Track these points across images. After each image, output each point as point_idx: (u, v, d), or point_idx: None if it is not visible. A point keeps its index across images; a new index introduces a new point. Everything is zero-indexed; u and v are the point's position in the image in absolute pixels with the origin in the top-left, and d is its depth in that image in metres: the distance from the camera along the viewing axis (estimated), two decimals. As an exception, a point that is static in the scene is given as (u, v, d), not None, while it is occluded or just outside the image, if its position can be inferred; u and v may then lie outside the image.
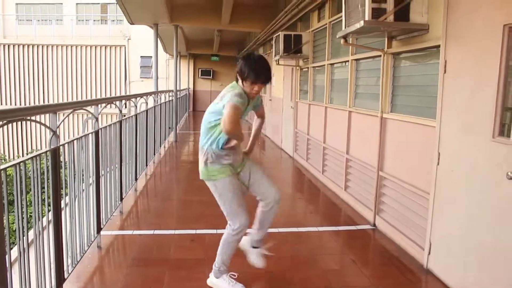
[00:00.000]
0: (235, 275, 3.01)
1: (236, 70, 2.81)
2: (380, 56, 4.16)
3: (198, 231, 4.13)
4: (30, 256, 2.35)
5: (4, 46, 22.28)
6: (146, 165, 6.67)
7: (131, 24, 10.42)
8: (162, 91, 9.76)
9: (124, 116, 4.86)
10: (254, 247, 3.12)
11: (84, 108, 3.51)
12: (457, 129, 2.92)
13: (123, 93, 21.94)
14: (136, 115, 5.64)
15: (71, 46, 22.32)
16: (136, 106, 6.01)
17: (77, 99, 21.72)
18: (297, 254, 3.67)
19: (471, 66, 2.78)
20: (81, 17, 23.42)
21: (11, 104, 22.04)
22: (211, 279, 3.02)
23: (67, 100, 21.41)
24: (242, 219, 2.81)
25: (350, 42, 4.40)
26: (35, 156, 2.48)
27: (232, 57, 18.48)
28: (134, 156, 5.53)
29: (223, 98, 2.71)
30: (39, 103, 21.68)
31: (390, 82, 4.06)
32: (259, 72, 2.70)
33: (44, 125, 2.62)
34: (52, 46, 22.27)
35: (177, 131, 11.60)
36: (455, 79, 2.95)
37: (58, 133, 2.66)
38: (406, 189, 3.71)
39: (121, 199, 4.67)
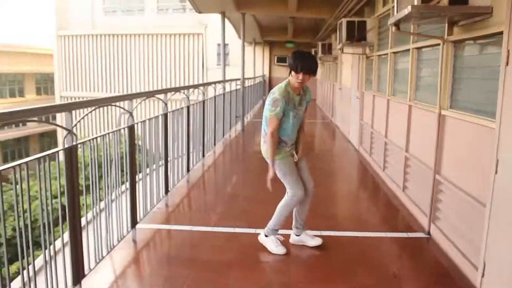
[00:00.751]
0: (281, 238, 3.51)
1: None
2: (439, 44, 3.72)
3: (237, 230, 3.98)
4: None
5: (92, 36, 23.97)
6: (203, 156, 6.64)
7: (198, 12, 10.50)
8: (228, 80, 9.74)
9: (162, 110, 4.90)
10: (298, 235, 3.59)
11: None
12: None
13: (200, 80, 22.65)
14: (188, 106, 5.56)
15: (152, 35, 23.51)
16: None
17: (157, 85, 23.09)
18: (332, 262, 3.38)
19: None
20: (162, 6, 24.54)
21: (99, 91, 23.77)
22: (261, 237, 3.54)
23: (147, 86, 23.05)
24: (298, 189, 3.36)
25: (406, 30, 4.09)
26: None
27: (307, 43, 17.49)
28: (186, 147, 5.51)
29: (268, 98, 3.30)
30: (123, 89, 23.45)
31: (450, 74, 3.59)
32: (301, 63, 3.16)
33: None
34: (134, 35, 23.62)
35: (245, 120, 11.50)
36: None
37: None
38: (462, 197, 3.24)
39: (166, 192, 4.64)
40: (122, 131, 3.47)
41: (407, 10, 3.00)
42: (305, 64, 3.16)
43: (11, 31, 27.78)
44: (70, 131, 2.58)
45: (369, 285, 3.00)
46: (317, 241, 3.50)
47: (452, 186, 3.44)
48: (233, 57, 20.62)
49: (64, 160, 2.57)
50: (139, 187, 3.90)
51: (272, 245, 3.44)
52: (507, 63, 2.59)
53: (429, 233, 3.87)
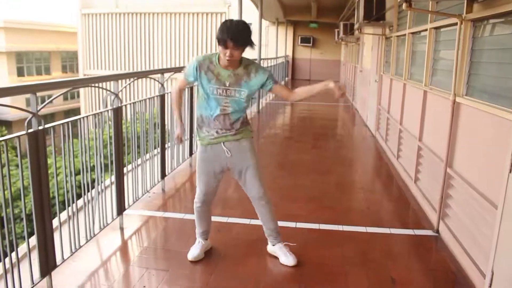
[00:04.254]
0: (202, 243, 3.11)
1: None
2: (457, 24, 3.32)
3: (230, 219, 3.76)
4: None
5: (115, 15, 24.08)
6: None
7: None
8: None
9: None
10: (273, 245, 3.08)
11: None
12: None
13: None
14: (191, 87, 5.20)
15: (174, 14, 23.39)
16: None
17: (179, 64, 22.79)
18: (325, 260, 3.07)
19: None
20: (185, -16, 24.30)
21: (121, 69, 24.04)
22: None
23: (171, 65, 22.84)
24: (198, 191, 2.98)
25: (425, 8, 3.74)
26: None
27: (332, 24, 16.93)
28: (188, 129, 5.29)
29: None
30: (145, 67, 23.54)
31: (467, 57, 3.22)
32: (225, 33, 2.53)
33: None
34: (157, 14, 23.56)
35: (262, 102, 11.22)
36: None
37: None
38: (474, 195, 2.91)
39: (163, 176, 4.46)
40: (106, 113, 3.28)
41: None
42: (228, 34, 2.51)
43: (37, 9, 28.11)
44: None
45: (362, 290, 2.72)
46: (289, 261, 2.96)
47: (464, 182, 3.11)
48: (256, 37, 20.46)
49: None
50: (130, 172, 3.77)
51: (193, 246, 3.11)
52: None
53: (437, 231, 3.56)
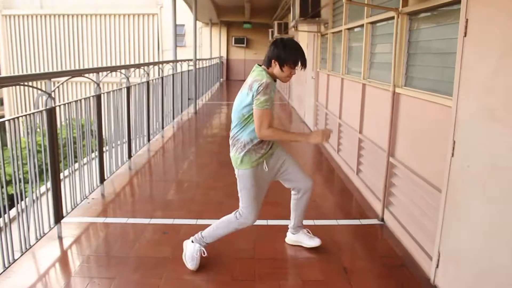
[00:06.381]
0: (205, 254, 2.85)
1: (268, 55, 2.62)
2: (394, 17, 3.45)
3: (176, 221, 3.64)
4: None
5: (41, 16, 22.75)
6: (148, 140, 6.26)
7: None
8: (179, 60, 9.31)
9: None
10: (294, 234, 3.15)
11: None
12: (477, 112, 2.20)
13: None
14: (128, 87, 5.10)
15: (104, 15, 22.53)
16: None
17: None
18: (278, 256, 3.05)
19: (500, 26, 2.04)
20: (114, -15, 23.50)
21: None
22: (187, 241, 2.91)
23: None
24: (252, 215, 2.75)
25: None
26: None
27: (265, 24, 17.64)
28: (126, 132, 5.12)
29: (252, 88, 2.54)
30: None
31: (405, 49, 3.33)
32: (300, 55, 2.62)
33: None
34: (85, 15, 22.55)
35: (198, 103, 11.15)
36: (477, 46, 2.21)
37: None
38: (417, 182, 3.01)
39: (102, 181, 4.25)
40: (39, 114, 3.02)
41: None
42: (303, 57, 2.62)
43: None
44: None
45: (316, 281, 2.72)
46: (315, 242, 3.05)
47: (407, 170, 3.21)
48: (189, 38, 20.61)
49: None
50: (66, 177, 3.53)
51: (192, 252, 2.82)
52: (465, 34, 2.32)
53: (383, 220, 3.66)
